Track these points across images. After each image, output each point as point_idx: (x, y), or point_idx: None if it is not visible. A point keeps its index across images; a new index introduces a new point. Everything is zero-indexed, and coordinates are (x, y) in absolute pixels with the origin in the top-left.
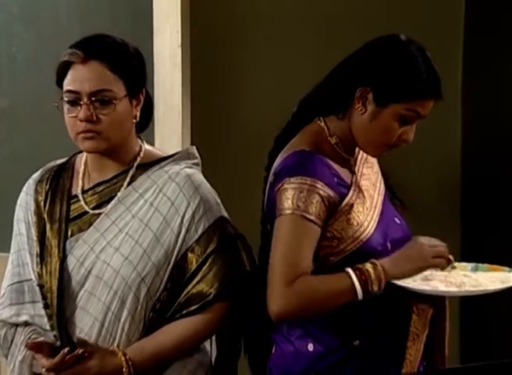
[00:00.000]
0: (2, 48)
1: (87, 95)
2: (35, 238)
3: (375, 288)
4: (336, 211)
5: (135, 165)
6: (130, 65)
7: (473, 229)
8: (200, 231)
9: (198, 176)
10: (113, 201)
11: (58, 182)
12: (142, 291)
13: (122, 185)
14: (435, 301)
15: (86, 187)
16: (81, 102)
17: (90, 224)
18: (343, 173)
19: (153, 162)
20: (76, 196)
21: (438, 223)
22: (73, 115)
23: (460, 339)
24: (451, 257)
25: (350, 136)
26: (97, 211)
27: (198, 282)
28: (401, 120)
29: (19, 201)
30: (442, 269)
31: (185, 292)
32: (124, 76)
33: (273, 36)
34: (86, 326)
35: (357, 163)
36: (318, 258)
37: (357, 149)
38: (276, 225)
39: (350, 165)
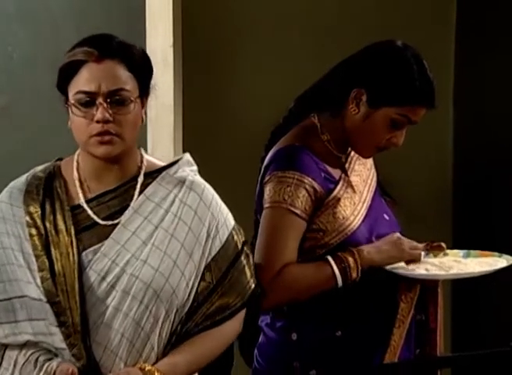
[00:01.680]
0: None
1: (104, 95)
2: (36, 253)
3: (354, 275)
4: (322, 204)
5: (142, 173)
6: (143, 65)
7: (464, 230)
8: (223, 240)
9: (208, 184)
10: (128, 212)
11: (52, 192)
12: (173, 304)
13: (132, 194)
14: (425, 287)
15: (88, 197)
16: (97, 103)
17: (105, 236)
18: (332, 168)
19: (158, 170)
20: (79, 206)
21: (429, 223)
22: (87, 117)
23: (451, 327)
24: (443, 244)
25: (342, 134)
26: (109, 222)
27: (223, 293)
28: (392, 124)
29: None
30: (418, 261)
31: (209, 303)
32: (138, 76)
33: (265, 35)
34: (112, 343)
35: (349, 160)
36: (304, 250)
37: (349, 148)
38: (263, 216)
39: (340, 161)
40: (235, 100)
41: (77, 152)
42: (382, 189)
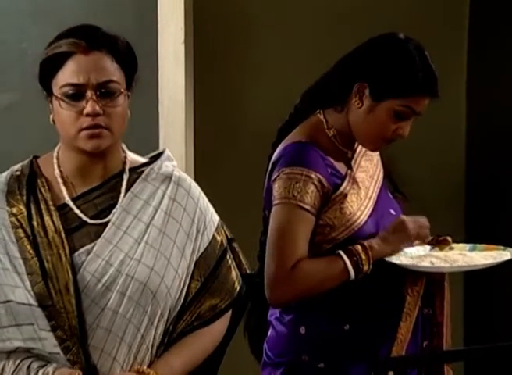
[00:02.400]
0: (13, 44)
1: (93, 87)
2: (25, 256)
3: (366, 267)
4: (329, 200)
5: (127, 168)
6: (129, 56)
7: (476, 225)
8: (210, 236)
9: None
10: (117, 210)
11: (36, 191)
12: (168, 304)
13: (119, 191)
14: (432, 280)
15: (73, 195)
16: (87, 95)
17: (96, 236)
18: (339, 164)
19: (142, 165)
20: (65, 205)
21: (441, 218)
22: (75, 110)
23: (464, 321)
24: (449, 238)
25: (348, 129)
26: (98, 221)
27: (212, 292)
28: (396, 116)
29: None
30: (426, 239)
31: (198, 301)
32: (125, 68)
33: (277, 32)
34: (109, 346)
35: (355, 156)
36: (312, 245)
37: (356, 142)
38: (273, 213)
39: (346, 157)
40: (246, 96)
41: (56, 149)
42: (394, 186)
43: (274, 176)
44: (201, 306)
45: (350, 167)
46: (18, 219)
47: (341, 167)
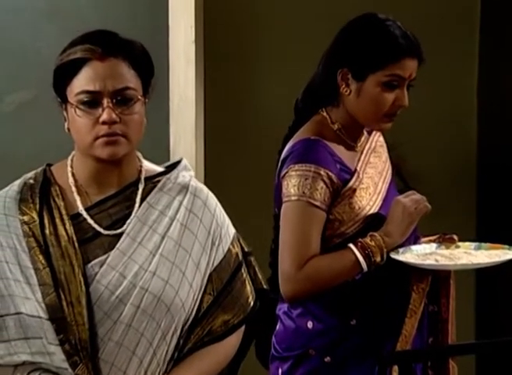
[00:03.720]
0: (29, 43)
1: (110, 95)
2: (36, 266)
3: (378, 258)
4: (338, 195)
5: (142, 178)
6: (145, 62)
7: (488, 221)
8: (225, 249)
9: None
10: (132, 220)
11: (49, 200)
12: (181, 318)
13: (134, 201)
14: (437, 277)
15: (88, 205)
16: (103, 102)
17: (109, 247)
18: (347, 160)
19: (158, 174)
20: (78, 215)
21: (453, 213)
22: (91, 118)
23: (475, 315)
24: (455, 236)
25: (351, 121)
26: (112, 232)
27: (224, 307)
28: (386, 87)
29: None
30: (426, 212)
31: (210, 316)
32: (141, 74)
33: (287, 31)
34: (120, 360)
35: (364, 152)
36: (322, 239)
37: (364, 138)
38: (283, 211)
39: (355, 152)
40: (257, 95)
41: (70, 157)
42: (404, 183)
43: (283, 173)
44: (213, 321)
45: (358, 162)
46: (30, 228)
47: (350, 162)
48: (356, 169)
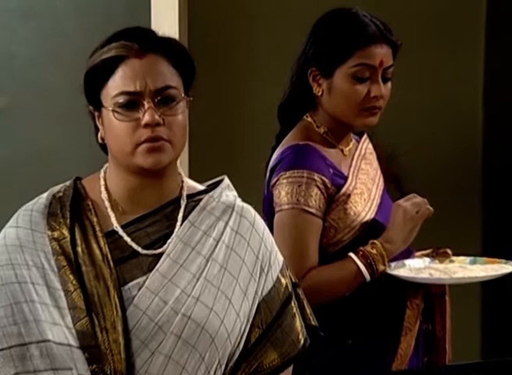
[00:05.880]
0: (2, 45)
1: (151, 94)
2: (66, 287)
3: (380, 266)
4: (332, 201)
5: (184, 194)
6: (186, 60)
7: (493, 229)
8: (275, 277)
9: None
10: (173, 240)
11: (81, 215)
12: (226, 351)
13: (175, 220)
14: (431, 294)
15: (123, 222)
16: (144, 103)
17: (148, 268)
18: (339, 164)
19: (199, 192)
20: (113, 232)
21: (457, 220)
22: (132, 121)
23: (481, 332)
24: (449, 250)
25: (334, 122)
26: (151, 251)
27: (274, 342)
28: (356, 80)
29: (14, 240)
30: (429, 215)
31: (258, 352)
32: (183, 73)
33: (273, 34)
34: None
35: (355, 158)
36: (318, 248)
37: (352, 144)
38: (276, 221)
39: (344, 157)
40: (242, 98)
41: (103, 169)
42: (398, 186)
43: (273, 181)
44: (261, 358)
45: (350, 167)
46: (60, 245)
47: (341, 167)
48: (349, 174)
